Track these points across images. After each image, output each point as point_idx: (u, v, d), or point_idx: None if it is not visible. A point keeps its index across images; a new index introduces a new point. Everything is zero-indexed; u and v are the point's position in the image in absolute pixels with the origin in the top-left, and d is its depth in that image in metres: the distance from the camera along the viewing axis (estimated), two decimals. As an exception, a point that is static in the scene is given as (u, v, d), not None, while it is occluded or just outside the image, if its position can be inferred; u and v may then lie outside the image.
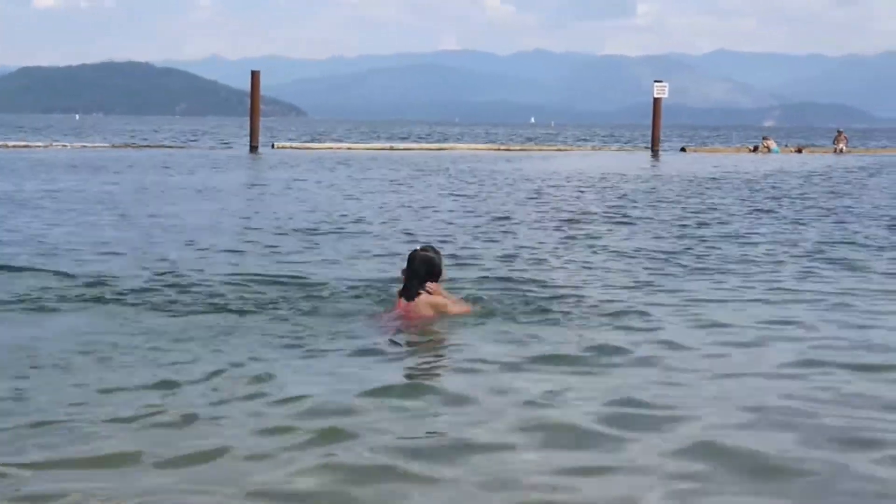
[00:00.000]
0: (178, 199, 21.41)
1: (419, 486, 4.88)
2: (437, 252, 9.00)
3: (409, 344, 7.99)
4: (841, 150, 59.37)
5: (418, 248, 9.04)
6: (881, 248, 14.43)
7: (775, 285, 10.96)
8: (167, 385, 6.47)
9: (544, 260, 12.87)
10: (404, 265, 8.93)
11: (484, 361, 7.31)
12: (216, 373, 6.81)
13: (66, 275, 10.77)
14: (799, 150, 59.48)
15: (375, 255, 13.04)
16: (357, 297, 9.86)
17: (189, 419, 5.79)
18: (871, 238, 15.67)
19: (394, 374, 6.96)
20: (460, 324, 8.61)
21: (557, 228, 16.73)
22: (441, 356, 7.65)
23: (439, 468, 5.07)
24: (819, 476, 5.05)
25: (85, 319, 8.69)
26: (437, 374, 7.07)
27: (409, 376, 6.99)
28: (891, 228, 17.33)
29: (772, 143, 58.01)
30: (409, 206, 20.50)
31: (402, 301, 8.81)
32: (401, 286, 8.96)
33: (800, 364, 7.33)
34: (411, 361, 7.44)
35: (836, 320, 9.07)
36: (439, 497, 4.75)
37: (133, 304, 9.33)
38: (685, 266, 12.41)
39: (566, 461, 5.20)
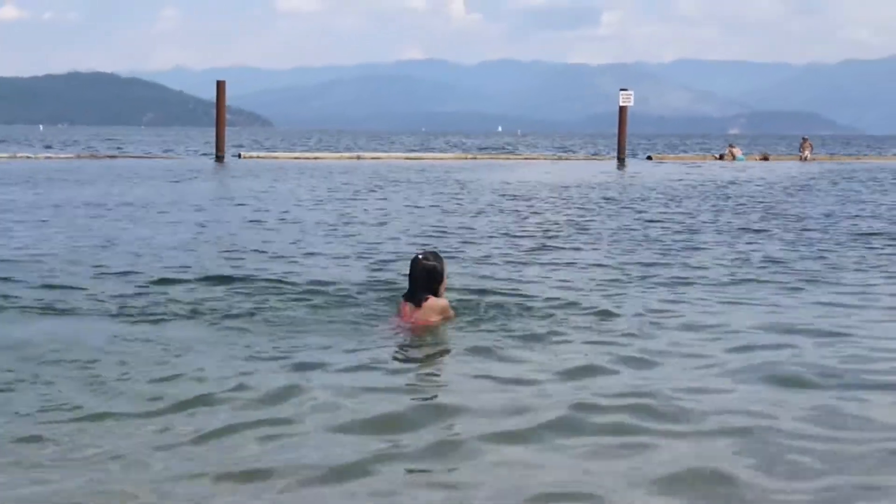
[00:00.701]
0: (141, 212, 21.21)
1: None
2: (438, 258, 8.82)
3: (413, 353, 7.97)
4: (806, 158, 59.78)
5: (419, 254, 8.91)
6: (834, 260, 14.51)
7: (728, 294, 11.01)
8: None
9: (515, 267, 12.83)
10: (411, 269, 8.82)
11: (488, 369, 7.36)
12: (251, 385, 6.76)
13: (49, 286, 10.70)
14: (765, 158, 59.82)
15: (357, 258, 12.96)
16: (345, 303, 9.88)
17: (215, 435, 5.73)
18: (829, 249, 15.69)
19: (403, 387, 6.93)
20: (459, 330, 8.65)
21: (527, 237, 16.72)
22: (445, 365, 7.65)
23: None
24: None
25: (61, 327, 8.60)
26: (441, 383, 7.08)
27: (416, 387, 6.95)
28: (845, 236, 17.46)
29: (737, 151, 58.32)
30: (376, 213, 20.42)
31: (408, 307, 8.70)
32: (405, 290, 8.92)
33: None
34: (418, 372, 7.42)
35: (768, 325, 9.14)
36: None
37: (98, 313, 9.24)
38: (654, 275, 12.41)
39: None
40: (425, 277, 8.64)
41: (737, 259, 14.04)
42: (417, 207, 22.78)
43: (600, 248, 15.25)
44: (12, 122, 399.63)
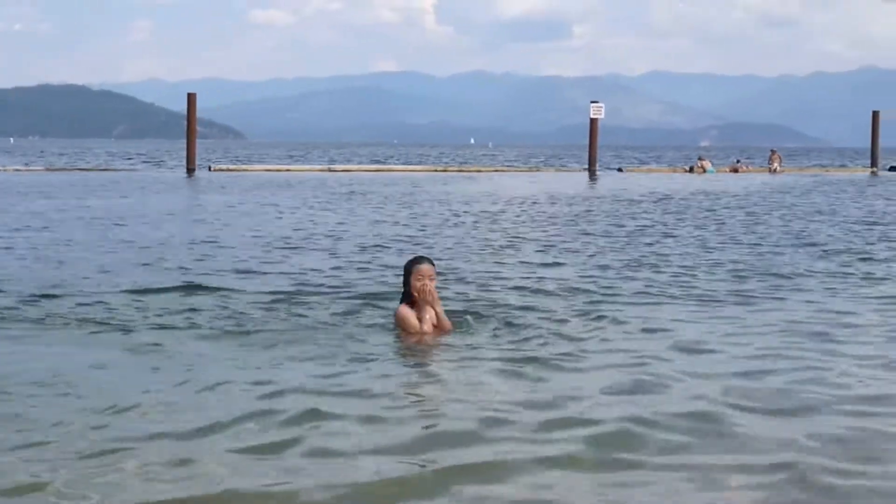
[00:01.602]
0: (115, 224, 21.26)
1: None
2: (410, 262, 9.03)
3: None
4: (775, 170, 60.27)
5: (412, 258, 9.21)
6: (797, 272, 14.74)
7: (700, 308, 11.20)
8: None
9: (489, 278, 12.99)
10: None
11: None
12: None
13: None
14: (735, 170, 60.16)
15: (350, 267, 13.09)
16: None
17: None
18: (792, 261, 15.94)
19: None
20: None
21: (498, 249, 16.90)
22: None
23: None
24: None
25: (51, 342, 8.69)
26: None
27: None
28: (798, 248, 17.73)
29: (707, 164, 58.68)
30: (346, 225, 20.55)
31: (416, 312, 8.90)
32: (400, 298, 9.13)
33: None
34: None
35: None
36: None
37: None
38: (625, 286, 12.61)
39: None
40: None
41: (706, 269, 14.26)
42: (384, 221, 22.93)
43: (576, 259, 15.45)
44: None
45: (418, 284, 8.77)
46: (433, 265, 9.00)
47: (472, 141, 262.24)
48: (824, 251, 16.94)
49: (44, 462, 5.41)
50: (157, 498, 4.93)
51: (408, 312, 8.90)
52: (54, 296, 11.08)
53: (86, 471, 5.29)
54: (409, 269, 8.87)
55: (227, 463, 5.45)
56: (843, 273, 14.05)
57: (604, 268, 14.42)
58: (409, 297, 8.88)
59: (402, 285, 9.05)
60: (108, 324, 9.57)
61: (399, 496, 5.04)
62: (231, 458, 5.54)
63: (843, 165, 79.64)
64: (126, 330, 9.27)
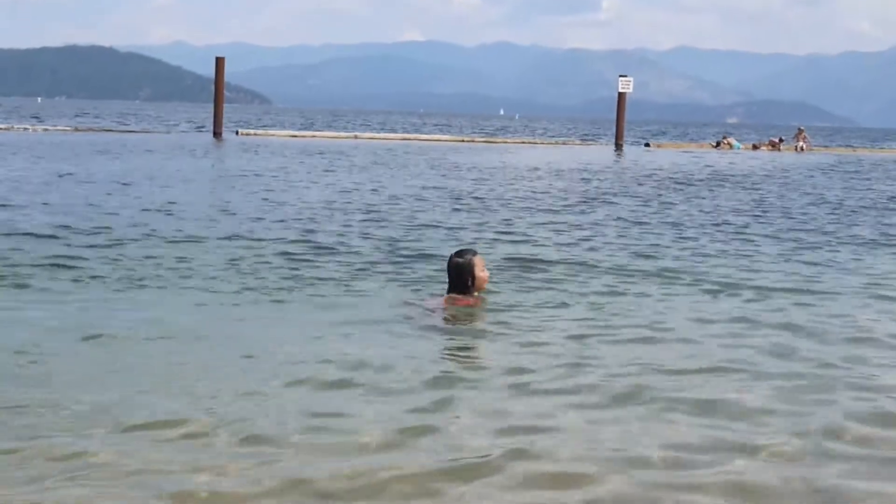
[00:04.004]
0: (152, 183, 21.42)
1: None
2: (467, 256, 8.95)
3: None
4: (802, 148, 59.98)
5: (454, 252, 9.16)
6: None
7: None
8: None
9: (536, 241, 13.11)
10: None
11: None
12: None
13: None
14: (755, 147, 59.80)
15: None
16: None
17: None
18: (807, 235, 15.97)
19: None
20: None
21: (537, 212, 16.99)
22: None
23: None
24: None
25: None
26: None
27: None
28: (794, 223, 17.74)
29: (732, 140, 58.83)
30: (380, 192, 20.65)
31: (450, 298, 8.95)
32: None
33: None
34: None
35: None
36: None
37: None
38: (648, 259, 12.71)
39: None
40: (455, 273, 8.90)
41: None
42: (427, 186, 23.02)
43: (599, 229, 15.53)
44: (9, 94, 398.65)
45: (485, 275, 8.96)
46: None
47: (502, 112, 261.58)
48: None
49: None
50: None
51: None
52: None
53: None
54: (470, 263, 8.84)
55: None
56: None
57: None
58: (464, 288, 8.88)
59: (450, 278, 9.00)
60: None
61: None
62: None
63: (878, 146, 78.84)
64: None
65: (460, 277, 8.83)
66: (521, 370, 6.85)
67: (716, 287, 10.55)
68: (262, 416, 5.67)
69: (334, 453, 5.16)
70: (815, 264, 12.66)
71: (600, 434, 5.57)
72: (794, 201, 22.76)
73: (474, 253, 8.99)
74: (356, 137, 54.84)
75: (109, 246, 12.05)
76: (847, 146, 75.12)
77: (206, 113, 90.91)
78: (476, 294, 8.91)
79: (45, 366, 6.62)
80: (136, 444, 5.16)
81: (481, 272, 8.85)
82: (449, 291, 8.93)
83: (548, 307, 9.21)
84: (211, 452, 5.11)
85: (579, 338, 7.91)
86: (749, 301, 9.84)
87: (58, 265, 10.50)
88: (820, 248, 14.38)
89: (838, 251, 14.08)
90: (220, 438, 5.31)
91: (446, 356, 7.39)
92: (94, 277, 9.95)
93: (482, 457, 5.12)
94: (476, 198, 20.81)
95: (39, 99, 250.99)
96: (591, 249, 13.42)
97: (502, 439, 5.41)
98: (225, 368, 6.70)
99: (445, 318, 8.50)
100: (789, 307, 9.53)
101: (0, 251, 11.16)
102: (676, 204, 21.05)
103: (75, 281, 9.78)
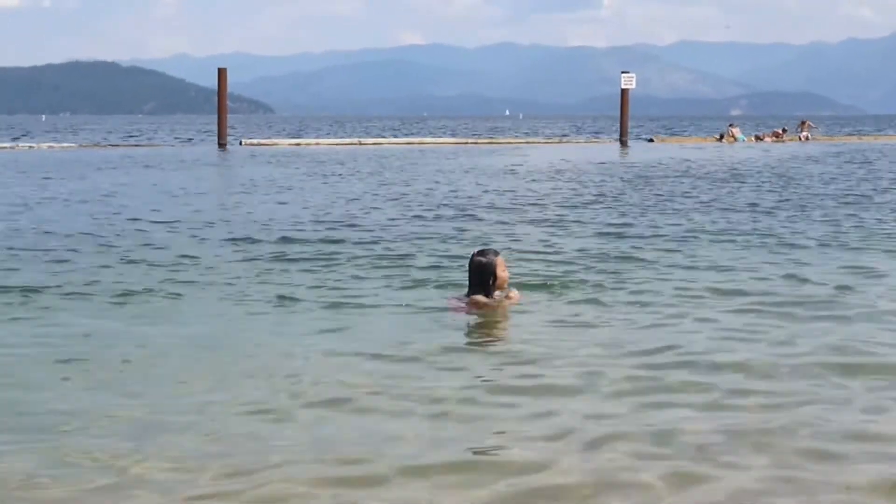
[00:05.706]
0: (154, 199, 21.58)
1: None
2: (489, 255, 9.06)
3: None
4: (806, 138, 59.95)
5: (476, 251, 9.28)
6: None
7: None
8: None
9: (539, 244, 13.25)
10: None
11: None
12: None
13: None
14: (758, 139, 59.56)
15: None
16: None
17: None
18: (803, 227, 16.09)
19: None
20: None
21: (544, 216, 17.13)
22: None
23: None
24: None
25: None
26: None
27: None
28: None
29: (737, 132, 58.46)
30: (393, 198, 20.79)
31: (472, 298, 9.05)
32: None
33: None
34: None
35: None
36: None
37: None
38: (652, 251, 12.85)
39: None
40: (477, 274, 9.00)
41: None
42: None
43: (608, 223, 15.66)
44: (14, 112, 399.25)
45: (506, 274, 9.04)
46: None
47: (507, 112, 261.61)
48: None
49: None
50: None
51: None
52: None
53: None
54: (492, 263, 8.95)
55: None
56: None
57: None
58: (486, 287, 8.98)
59: (470, 277, 9.13)
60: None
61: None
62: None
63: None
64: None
65: (482, 277, 8.93)
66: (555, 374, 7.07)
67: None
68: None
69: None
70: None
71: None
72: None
73: (496, 252, 9.12)
74: (360, 143, 54.78)
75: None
76: (856, 131, 74.74)
77: (211, 125, 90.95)
78: (497, 294, 8.99)
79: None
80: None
81: (502, 272, 8.95)
82: (469, 290, 9.04)
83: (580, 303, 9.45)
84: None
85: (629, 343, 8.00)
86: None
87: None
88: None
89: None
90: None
91: (476, 366, 7.36)
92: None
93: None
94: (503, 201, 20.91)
95: (43, 117, 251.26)
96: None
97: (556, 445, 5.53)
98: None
99: (470, 324, 8.65)
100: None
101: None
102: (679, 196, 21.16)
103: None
